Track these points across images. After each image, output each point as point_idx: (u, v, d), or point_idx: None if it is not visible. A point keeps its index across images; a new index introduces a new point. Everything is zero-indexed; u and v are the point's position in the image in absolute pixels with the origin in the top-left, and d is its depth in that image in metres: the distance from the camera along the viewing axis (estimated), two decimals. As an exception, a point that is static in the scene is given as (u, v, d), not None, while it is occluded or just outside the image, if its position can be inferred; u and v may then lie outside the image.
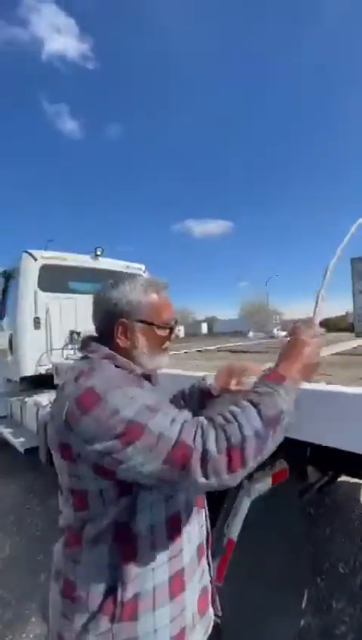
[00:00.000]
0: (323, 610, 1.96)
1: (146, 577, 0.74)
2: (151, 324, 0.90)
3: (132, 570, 0.72)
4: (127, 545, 0.74)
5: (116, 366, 0.84)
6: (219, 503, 1.45)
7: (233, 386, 1.17)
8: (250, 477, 1.50)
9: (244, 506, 1.45)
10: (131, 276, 0.96)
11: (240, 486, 1.45)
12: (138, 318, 0.89)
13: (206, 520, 0.96)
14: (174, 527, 0.80)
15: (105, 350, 0.87)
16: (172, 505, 0.80)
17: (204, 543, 0.94)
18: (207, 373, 1.31)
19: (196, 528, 0.88)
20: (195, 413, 1.22)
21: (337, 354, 2.74)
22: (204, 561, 0.93)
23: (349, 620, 1.89)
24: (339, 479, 3.24)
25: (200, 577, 0.89)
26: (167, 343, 0.96)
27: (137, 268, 5.21)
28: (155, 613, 0.74)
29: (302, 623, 1.79)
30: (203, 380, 1.23)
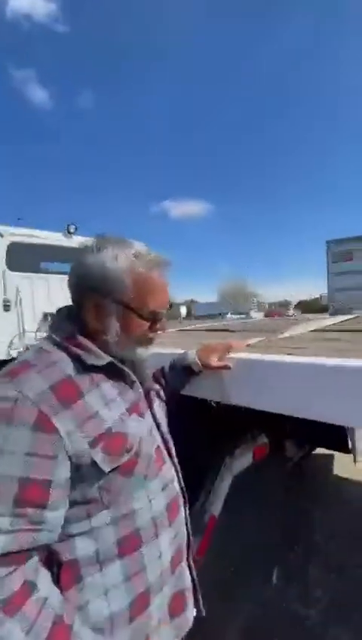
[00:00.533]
0: (300, 577, 2.03)
1: (97, 606, 0.63)
2: (131, 309, 0.72)
3: (74, 599, 0.61)
4: (65, 573, 0.62)
5: (72, 354, 0.68)
6: (198, 481, 1.43)
7: (215, 363, 1.13)
8: (231, 453, 1.48)
9: (226, 482, 1.44)
10: (120, 242, 0.73)
11: (222, 463, 1.43)
12: (116, 297, 0.70)
13: (186, 523, 0.84)
14: (131, 549, 0.67)
15: (68, 330, 0.71)
16: (125, 526, 0.66)
17: (184, 547, 0.82)
18: (187, 350, 1.25)
19: (168, 538, 0.74)
20: (176, 391, 1.19)
21: (312, 331, 2.77)
22: (183, 564, 0.82)
23: (324, 585, 1.97)
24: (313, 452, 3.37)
25: (174, 583, 0.78)
26: (153, 333, 0.78)
27: None
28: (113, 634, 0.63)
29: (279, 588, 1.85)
30: (184, 356, 1.17)
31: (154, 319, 0.76)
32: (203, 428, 1.71)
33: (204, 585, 0.88)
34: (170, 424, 0.90)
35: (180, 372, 1.15)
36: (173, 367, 1.16)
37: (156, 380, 1.11)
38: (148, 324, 0.75)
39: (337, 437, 1.93)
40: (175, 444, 0.86)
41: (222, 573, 1.45)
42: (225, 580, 1.43)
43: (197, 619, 0.86)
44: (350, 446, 3.06)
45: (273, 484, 1.88)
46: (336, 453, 3.40)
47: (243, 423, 1.61)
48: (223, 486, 1.41)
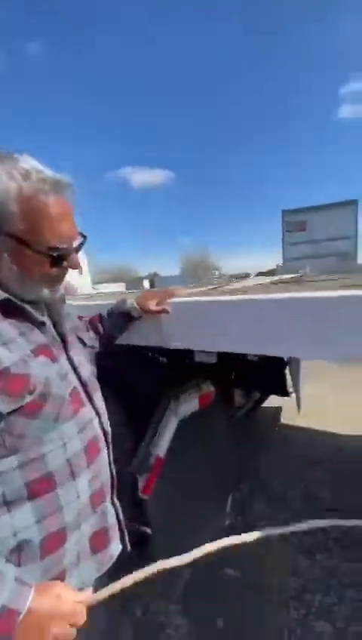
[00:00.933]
0: (246, 511, 2.22)
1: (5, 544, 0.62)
2: (24, 243, 0.63)
3: None
4: None
5: None
6: (145, 424, 1.46)
7: (154, 307, 1.12)
8: (176, 398, 1.52)
9: (172, 425, 1.48)
10: (1, 158, 0.62)
11: (167, 407, 1.47)
12: (1, 228, 0.62)
13: (109, 464, 0.83)
14: (43, 491, 0.65)
15: None
16: (34, 469, 0.64)
17: (107, 487, 0.82)
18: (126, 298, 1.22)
19: (86, 479, 0.74)
20: (114, 338, 1.16)
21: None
22: (107, 503, 0.82)
23: (268, 517, 2.17)
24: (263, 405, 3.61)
25: (96, 522, 0.78)
26: (60, 271, 0.70)
27: None
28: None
29: (228, 522, 2.01)
30: (122, 302, 1.15)
31: (56, 256, 0.66)
32: (151, 374, 1.74)
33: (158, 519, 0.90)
34: (104, 370, 0.87)
35: (119, 318, 1.13)
36: (110, 314, 1.13)
37: (93, 327, 1.09)
38: (48, 261, 0.66)
39: (277, 383, 2.06)
40: (121, 390, 0.82)
41: (176, 509, 1.52)
42: (178, 514, 1.52)
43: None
44: (291, 391, 3.31)
45: (224, 431, 1.97)
46: (284, 406, 3.69)
47: (189, 371, 1.65)
48: (169, 428, 1.46)
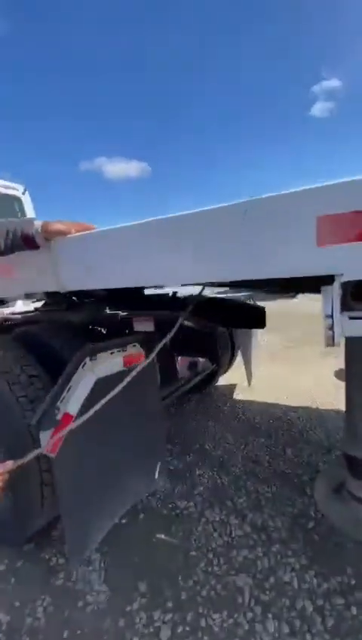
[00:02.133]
0: (186, 477, 2.20)
1: None
2: None
3: None
4: None
5: None
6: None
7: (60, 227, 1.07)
8: (93, 355, 1.44)
9: (87, 382, 1.40)
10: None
11: (80, 362, 1.38)
12: None
13: None
14: None
15: None
16: None
17: None
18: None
19: None
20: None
21: None
22: None
23: (206, 482, 2.16)
24: (217, 383, 3.61)
25: None
26: None
27: (12, 187, 4.43)
28: None
29: (156, 488, 1.99)
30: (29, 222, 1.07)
31: None
32: (77, 343, 1.65)
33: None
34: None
35: (18, 238, 1.07)
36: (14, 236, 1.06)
37: None
38: None
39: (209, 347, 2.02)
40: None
41: (90, 473, 1.46)
42: (92, 479, 1.46)
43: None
44: (232, 357, 3.27)
45: (152, 393, 1.93)
46: (237, 382, 3.71)
47: (115, 330, 1.59)
48: (82, 385, 1.38)
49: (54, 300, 2.76)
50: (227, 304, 2.75)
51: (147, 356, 1.74)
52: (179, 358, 2.49)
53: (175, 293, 3.11)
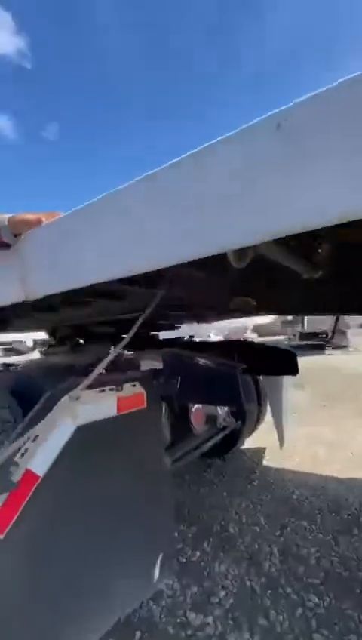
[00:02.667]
0: (202, 574, 1.63)
1: None
2: None
3: None
4: None
5: None
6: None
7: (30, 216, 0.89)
8: (72, 395, 1.11)
9: (63, 430, 1.05)
10: None
11: (54, 400, 1.05)
12: None
13: None
14: None
15: None
16: None
17: None
18: None
19: None
20: None
21: None
22: None
23: (230, 585, 1.58)
24: (242, 446, 3.06)
25: None
26: None
27: None
28: None
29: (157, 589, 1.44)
30: None
31: None
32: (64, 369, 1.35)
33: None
34: None
35: None
36: None
37: None
38: None
39: (231, 396, 1.62)
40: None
41: (55, 567, 1.02)
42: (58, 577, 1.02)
43: None
44: (260, 412, 2.78)
45: (161, 461, 1.50)
46: (267, 445, 3.13)
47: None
48: (56, 434, 1.02)
49: (61, 342, 2.53)
50: (254, 347, 2.40)
51: (150, 400, 1.39)
52: (194, 409, 2.07)
53: (191, 336, 2.79)
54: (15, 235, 0.89)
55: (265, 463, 2.91)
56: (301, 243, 1.00)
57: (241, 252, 0.61)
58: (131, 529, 1.23)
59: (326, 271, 1.26)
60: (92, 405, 1.15)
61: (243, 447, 3.11)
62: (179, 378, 1.56)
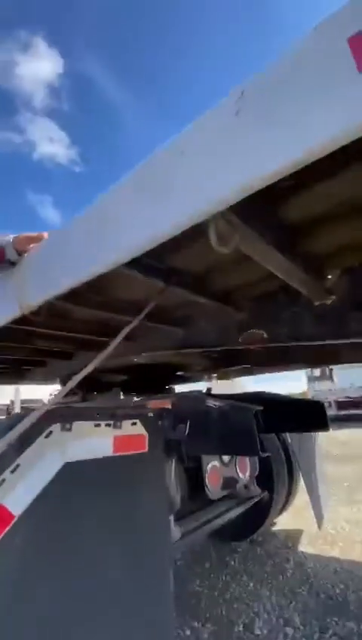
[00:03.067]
0: None
1: None
2: None
3: None
4: None
5: None
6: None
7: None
8: (65, 424, 1.02)
9: (50, 463, 0.95)
10: None
11: (41, 429, 0.96)
12: None
13: None
14: None
15: None
16: None
17: None
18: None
19: None
20: None
21: None
22: None
23: None
24: (276, 527, 2.61)
25: None
26: None
27: None
28: None
29: None
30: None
31: None
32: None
33: None
34: None
35: None
36: None
37: None
38: None
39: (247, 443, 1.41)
40: None
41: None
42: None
43: None
44: (292, 482, 2.41)
45: (163, 524, 1.29)
46: (302, 526, 2.66)
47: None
48: (40, 467, 0.91)
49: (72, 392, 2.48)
50: (276, 398, 2.19)
51: (153, 444, 1.25)
52: (209, 467, 1.82)
53: (209, 389, 2.65)
54: (19, 254, 0.94)
55: (301, 548, 2.42)
56: (310, 267, 0.98)
57: (223, 236, 0.59)
58: (113, 612, 0.96)
59: (339, 296, 1.20)
60: (84, 440, 1.05)
61: (274, 527, 2.65)
62: (188, 422, 1.42)
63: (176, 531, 1.57)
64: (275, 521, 2.63)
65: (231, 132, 0.46)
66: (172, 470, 1.60)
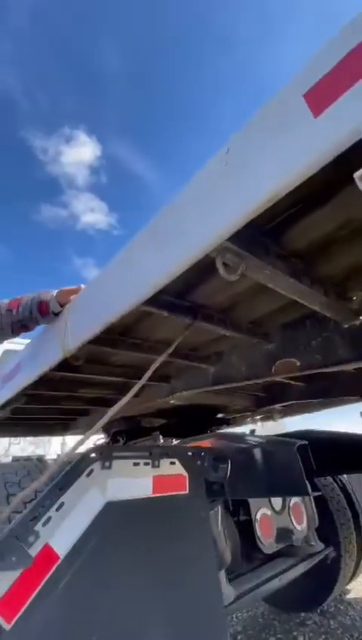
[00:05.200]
0: None
1: None
2: None
3: None
4: None
5: None
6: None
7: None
8: (106, 461, 1.06)
9: (92, 502, 0.97)
10: None
11: (83, 467, 1.00)
12: None
13: None
14: None
15: None
16: None
17: None
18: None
19: None
20: (27, 328, 1.16)
21: None
22: None
23: None
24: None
25: None
26: None
27: None
28: None
29: None
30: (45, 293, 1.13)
31: None
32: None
33: None
34: None
35: (35, 306, 1.12)
36: (31, 303, 1.13)
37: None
38: None
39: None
40: None
41: None
42: None
43: None
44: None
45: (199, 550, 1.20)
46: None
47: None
48: (83, 506, 0.94)
49: (114, 440, 2.50)
50: (329, 436, 2.02)
51: (193, 485, 1.22)
52: (259, 516, 1.66)
53: (253, 430, 2.54)
54: (62, 306, 1.08)
55: (384, 621, 2.04)
56: (331, 290, 1.01)
57: (229, 265, 0.66)
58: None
59: (367, 318, 1.18)
60: (124, 479, 1.07)
61: (348, 595, 2.29)
62: (229, 461, 1.38)
63: (228, 590, 1.44)
64: (348, 587, 2.27)
65: (222, 178, 0.56)
66: (218, 518, 1.51)
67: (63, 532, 0.89)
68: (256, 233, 0.66)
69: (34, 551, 0.84)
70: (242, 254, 0.66)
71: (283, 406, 2.32)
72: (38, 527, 0.87)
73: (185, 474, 1.23)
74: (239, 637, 1.96)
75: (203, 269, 0.83)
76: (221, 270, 0.65)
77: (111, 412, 0.92)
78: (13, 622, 0.75)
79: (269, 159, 0.49)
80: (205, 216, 0.57)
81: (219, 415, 2.49)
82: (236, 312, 1.20)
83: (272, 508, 1.76)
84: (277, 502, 1.79)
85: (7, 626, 0.75)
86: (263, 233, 0.69)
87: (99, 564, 0.92)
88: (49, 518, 0.89)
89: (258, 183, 0.49)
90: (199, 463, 1.31)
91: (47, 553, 0.85)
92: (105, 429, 2.43)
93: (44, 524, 0.88)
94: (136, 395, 1.86)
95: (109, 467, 1.05)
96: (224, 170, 0.56)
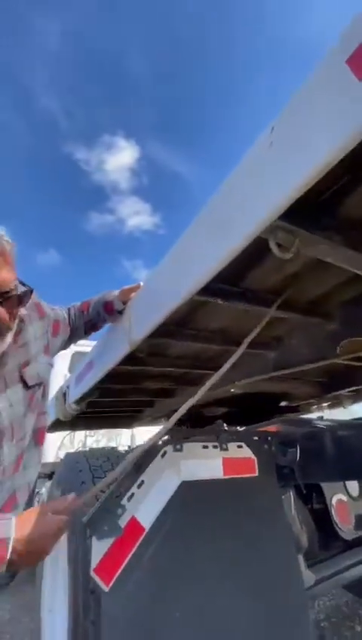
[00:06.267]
0: None
1: None
2: None
3: None
4: None
5: None
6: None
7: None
8: (176, 442, 1.13)
9: (168, 483, 1.05)
10: None
11: (157, 449, 1.08)
12: None
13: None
14: None
15: None
16: None
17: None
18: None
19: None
20: (97, 327, 1.26)
21: None
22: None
23: None
24: None
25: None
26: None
27: None
28: None
29: None
30: (108, 293, 1.25)
31: None
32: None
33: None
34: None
35: (101, 309, 1.23)
36: (97, 303, 1.25)
37: (76, 317, 1.25)
38: None
39: None
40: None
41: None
42: None
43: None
44: None
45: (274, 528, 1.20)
46: None
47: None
48: (161, 486, 1.01)
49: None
50: None
51: (262, 469, 1.24)
52: (335, 501, 1.61)
53: (320, 417, 2.46)
54: (124, 303, 1.17)
55: None
56: None
57: (283, 244, 0.67)
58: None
59: None
60: (195, 460, 1.13)
61: None
62: (298, 445, 1.36)
63: (308, 575, 1.42)
64: None
65: (267, 159, 0.57)
66: (291, 502, 1.50)
67: (146, 506, 0.98)
68: (307, 208, 0.66)
69: (122, 522, 0.93)
70: (294, 231, 0.66)
71: (351, 391, 2.20)
72: (124, 501, 0.97)
73: (254, 457, 1.25)
74: (322, 624, 1.92)
75: (254, 253, 0.84)
76: (275, 249, 0.66)
77: (193, 400, 0.98)
78: (110, 584, 0.85)
79: (316, 128, 0.50)
80: (253, 198, 0.59)
81: (283, 403, 2.44)
82: (292, 293, 1.18)
83: (348, 494, 1.69)
84: (353, 488, 1.72)
85: (106, 588, 0.85)
86: (316, 207, 0.68)
87: (182, 539, 0.99)
88: (132, 495, 0.98)
89: (306, 155, 0.50)
90: (266, 446, 1.32)
91: (134, 525, 0.94)
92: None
93: (128, 500, 0.97)
94: (196, 384, 1.92)
95: (180, 449, 1.12)
96: (269, 148, 0.57)
